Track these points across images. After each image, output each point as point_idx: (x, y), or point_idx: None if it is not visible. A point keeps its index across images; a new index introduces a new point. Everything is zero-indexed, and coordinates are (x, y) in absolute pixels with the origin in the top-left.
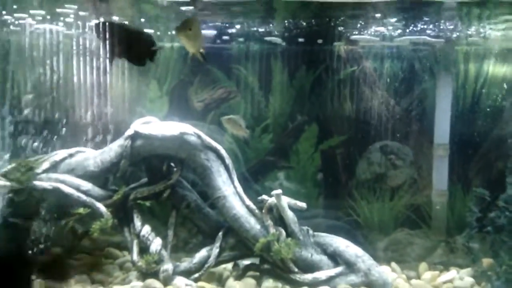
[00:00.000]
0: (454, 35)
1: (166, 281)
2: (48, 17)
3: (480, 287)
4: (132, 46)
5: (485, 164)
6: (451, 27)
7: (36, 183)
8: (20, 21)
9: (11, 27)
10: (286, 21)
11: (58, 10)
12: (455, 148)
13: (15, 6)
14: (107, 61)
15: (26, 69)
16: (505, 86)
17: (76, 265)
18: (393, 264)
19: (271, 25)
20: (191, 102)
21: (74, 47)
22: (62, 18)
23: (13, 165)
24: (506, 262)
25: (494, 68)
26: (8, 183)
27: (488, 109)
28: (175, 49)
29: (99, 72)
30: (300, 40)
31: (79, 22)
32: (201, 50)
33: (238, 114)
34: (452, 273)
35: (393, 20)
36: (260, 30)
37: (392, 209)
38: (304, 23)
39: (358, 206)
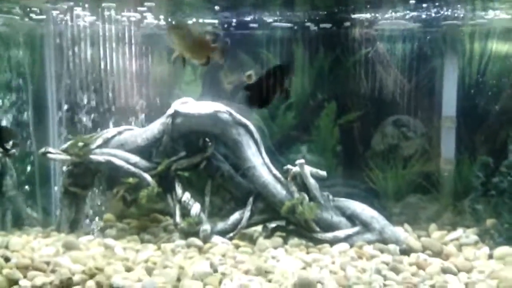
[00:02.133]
0: (460, 18)
1: (206, 239)
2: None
3: (484, 244)
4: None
5: (489, 134)
6: (458, 11)
7: (92, 156)
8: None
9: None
10: (306, 8)
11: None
12: (461, 119)
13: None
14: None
15: (81, 57)
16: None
17: (127, 228)
18: (406, 225)
19: (292, 12)
20: (222, 84)
21: (122, 40)
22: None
23: (72, 141)
24: (508, 221)
25: (497, 46)
26: (68, 157)
27: (491, 84)
28: None
29: (143, 61)
30: (319, 24)
31: (127, 20)
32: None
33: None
34: (459, 232)
35: (404, 5)
36: (282, 16)
37: (404, 176)
38: (322, 10)
39: (373, 175)
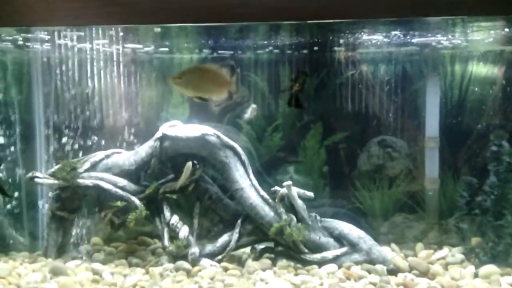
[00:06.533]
0: (441, 42)
1: (194, 262)
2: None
3: (470, 263)
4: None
5: (471, 154)
6: (438, 35)
7: (79, 180)
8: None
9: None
10: (291, 34)
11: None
12: (444, 140)
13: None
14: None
15: (67, 82)
16: (487, 84)
17: (114, 252)
18: (393, 245)
19: (278, 37)
20: (210, 106)
21: (109, 63)
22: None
23: (59, 165)
24: (492, 240)
25: (477, 69)
26: (56, 181)
27: (472, 105)
28: (194, 61)
29: (130, 83)
30: (304, 49)
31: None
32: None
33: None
34: (445, 251)
35: (387, 31)
36: (268, 41)
37: (390, 196)
38: (308, 35)
39: (360, 195)
